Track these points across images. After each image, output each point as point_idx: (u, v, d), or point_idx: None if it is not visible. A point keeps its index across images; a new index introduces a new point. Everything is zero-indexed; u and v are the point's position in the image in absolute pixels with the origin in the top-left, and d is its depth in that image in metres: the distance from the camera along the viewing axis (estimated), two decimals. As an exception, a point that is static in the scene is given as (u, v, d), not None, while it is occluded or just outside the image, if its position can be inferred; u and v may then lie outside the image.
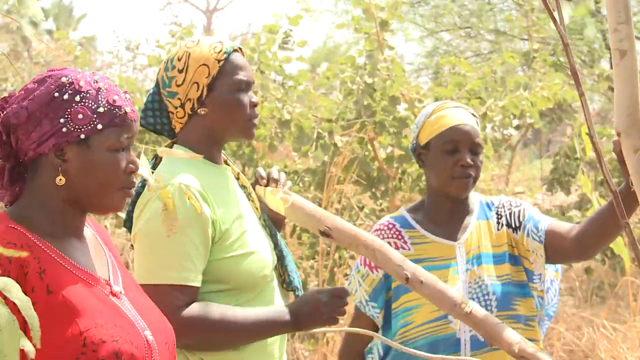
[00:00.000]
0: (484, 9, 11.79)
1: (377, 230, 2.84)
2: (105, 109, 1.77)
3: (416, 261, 2.60)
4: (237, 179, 2.52)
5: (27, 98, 1.76)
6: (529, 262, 2.78)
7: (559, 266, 2.88)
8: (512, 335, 2.11)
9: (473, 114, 2.85)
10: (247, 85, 2.45)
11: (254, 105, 2.45)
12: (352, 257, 5.51)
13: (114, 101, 1.78)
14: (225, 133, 2.45)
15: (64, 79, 1.76)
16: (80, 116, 1.75)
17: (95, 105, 1.76)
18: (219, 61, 2.43)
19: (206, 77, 2.42)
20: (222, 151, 2.53)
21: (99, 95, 1.77)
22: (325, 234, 2.35)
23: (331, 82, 5.77)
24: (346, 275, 5.47)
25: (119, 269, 1.89)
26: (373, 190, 5.57)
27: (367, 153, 5.46)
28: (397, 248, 2.77)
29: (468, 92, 5.48)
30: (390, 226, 2.82)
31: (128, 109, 1.80)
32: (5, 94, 1.81)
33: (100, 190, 1.79)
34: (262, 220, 2.49)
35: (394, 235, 2.80)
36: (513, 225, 2.80)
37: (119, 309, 1.77)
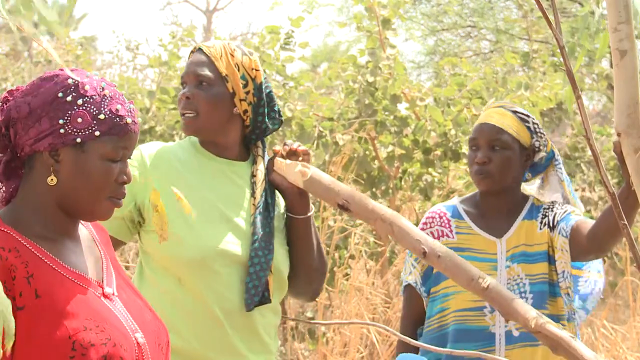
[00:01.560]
0: (486, 6, 11.77)
1: (427, 218, 2.97)
2: (106, 116, 1.76)
3: (458, 249, 2.76)
4: (254, 175, 2.53)
5: (31, 94, 1.76)
6: (556, 258, 2.84)
7: (600, 267, 2.96)
8: (529, 310, 2.10)
9: (517, 112, 2.90)
10: (182, 81, 2.53)
11: (181, 98, 2.50)
12: (352, 257, 5.51)
13: (117, 110, 1.77)
14: None
15: (70, 81, 1.76)
16: (79, 120, 1.74)
17: (97, 112, 1.75)
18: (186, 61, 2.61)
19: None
20: (259, 147, 2.58)
21: (103, 102, 1.76)
22: (343, 207, 2.35)
23: (332, 82, 5.77)
24: (347, 275, 5.47)
25: (114, 270, 1.88)
26: (373, 189, 5.57)
27: (367, 152, 5.46)
28: (442, 235, 2.91)
29: (469, 92, 5.48)
30: (442, 214, 2.95)
31: (129, 120, 1.78)
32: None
33: (88, 197, 1.78)
34: (253, 216, 2.48)
35: (442, 224, 2.93)
36: (551, 225, 2.86)
37: (110, 310, 1.76)
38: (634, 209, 2.59)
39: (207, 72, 2.50)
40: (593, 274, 2.92)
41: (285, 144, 2.52)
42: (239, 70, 2.51)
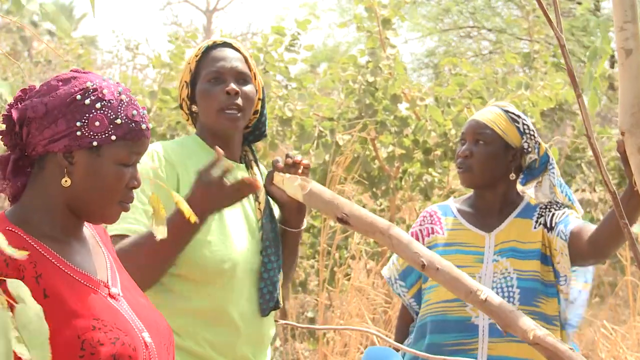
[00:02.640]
0: (487, 3, 11.78)
1: (419, 217, 3.03)
2: (123, 121, 1.77)
3: (447, 244, 2.87)
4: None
5: (48, 94, 1.76)
6: (556, 262, 2.84)
7: (588, 277, 2.93)
8: (527, 322, 2.11)
9: (508, 111, 2.92)
10: (219, 75, 2.44)
11: (227, 93, 2.43)
12: (353, 257, 5.51)
13: (133, 116, 1.78)
14: (209, 125, 2.48)
15: (88, 84, 1.76)
16: (97, 123, 1.75)
17: (114, 116, 1.76)
18: (197, 56, 2.49)
19: (188, 74, 2.49)
20: (250, 150, 2.56)
21: (120, 107, 1.77)
22: (342, 220, 2.35)
23: (333, 83, 5.77)
24: (347, 275, 5.47)
25: (118, 271, 1.89)
26: (374, 189, 5.57)
27: (367, 152, 5.46)
28: (432, 232, 2.96)
29: (470, 92, 5.48)
30: (433, 213, 3.01)
31: (144, 126, 1.80)
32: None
33: (100, 200, 1.79)
34: (260, 222, 2.48)
35: (432, 222, 2.98)
36: (548, 226, 2.86)
37: (117, 310, 1.77)
38: (637, 210, 2.59)
39: (246, 69, 2.49)
40: (579, 283, 2.91)
41: (288, 156, 2.49)
42: (257, 71, 2.52)
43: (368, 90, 5.34)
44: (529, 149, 2.91)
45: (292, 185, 2.43)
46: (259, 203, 2.50)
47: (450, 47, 12.39)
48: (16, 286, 1.31)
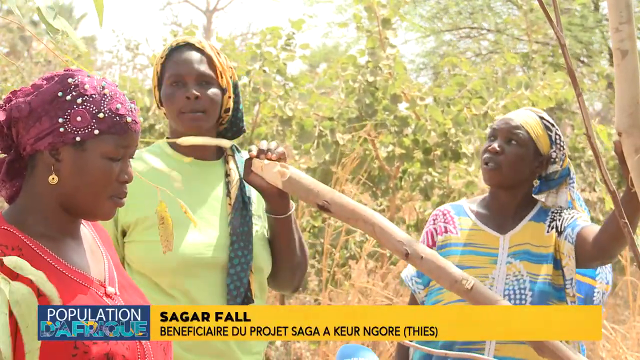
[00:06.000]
0: (485, 3, 11.76)
1: (432, 216, 3.01)
2: (106, 115, 1.77)
3: (460, 245, 2.85)
4: (227, 175, 2.52)
5: (32, 93, 1.77)
6: (563, 264, 2.83)
7: (609, 278, 2.94)
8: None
9: (543, 118, 2.91)
10: (179, 79, 2.46)
11: (187, 97, 2.44)
12: (353, 257, 5.51)
13: (117, 109, 1.78)
14: (175, 127, 2.50)
15: (70, 80, 1.77)
16: (78, 118, 1.75)
17: (96, 110, 1.76)
18: (162, 58, 2.51)
19: (156, 77, 2.52)
20: (232, 148, 2.54)
21: (102, 101, 1.77)
22: (323, 208, 2.30)
23: (332, 81, 5.77)
24: (348, 275, 5.47)
25: (116, 270, 1.89)
26: (373, 189, 5.57)
27: (367, 152, 5.46)
28: (445, 231, 2.94)
29: (469, 92, 5.48)
30: (446, 212, 2.99)
31: (129, 119, 1.79)
32: (5, 94, 1.82)
33: (89, 196, 1.79)
34: (231, 216, 2.46)
35: (445, 220, 2.97)
36: (559, 229, 2.86)
37: None
38: (637, 212, 2.58)
39: (207, 69, 2.47)
40: (602, 285, 2.92)
41: (260, 149, 2.46)
42: (226, 68, 2.50)
43: (368, 90, 5.34)
44: (556, 159, 2.91)
45: (271, 172, 2.39)
46: (230, 198, 2.48)
47: (449, 47, 12.37)
48: (14, 261, 1.32)
